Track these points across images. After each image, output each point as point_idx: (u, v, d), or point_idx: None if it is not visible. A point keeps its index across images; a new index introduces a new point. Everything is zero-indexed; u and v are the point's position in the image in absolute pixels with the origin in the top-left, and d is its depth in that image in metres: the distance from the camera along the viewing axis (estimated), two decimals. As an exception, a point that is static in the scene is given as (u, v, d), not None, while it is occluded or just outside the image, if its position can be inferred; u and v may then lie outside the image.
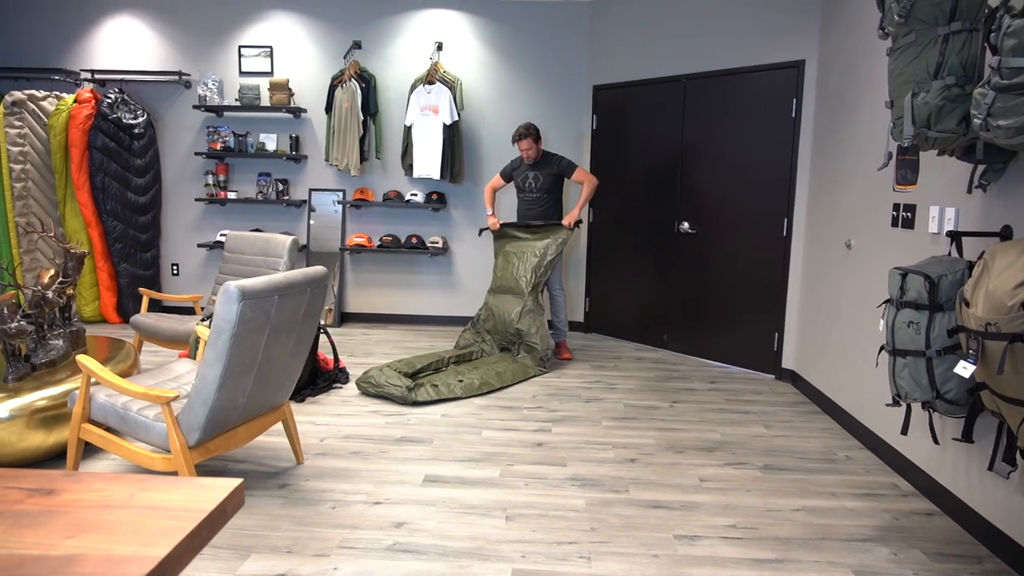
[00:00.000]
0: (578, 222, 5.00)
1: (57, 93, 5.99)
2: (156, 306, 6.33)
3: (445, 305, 6.32)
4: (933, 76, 2.33)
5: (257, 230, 6.18)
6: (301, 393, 4.14)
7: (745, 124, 4.86)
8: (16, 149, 5.81)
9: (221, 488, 1.12)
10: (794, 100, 4.60)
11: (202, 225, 6.35)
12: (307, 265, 6.22)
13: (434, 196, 6.04)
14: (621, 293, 5.85)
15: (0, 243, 5.93)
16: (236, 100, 6.02)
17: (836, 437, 3.71)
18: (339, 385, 4.41)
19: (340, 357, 5.06)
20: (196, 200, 6.17)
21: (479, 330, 5.19)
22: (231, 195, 6.13)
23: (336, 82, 5.86)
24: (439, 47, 5.93)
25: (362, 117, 5.77)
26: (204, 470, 3.09)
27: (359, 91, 5.74)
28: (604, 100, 5.82)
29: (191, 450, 2.61)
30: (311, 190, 6.23)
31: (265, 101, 6.05)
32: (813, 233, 4.45)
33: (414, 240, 6.06)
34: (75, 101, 5.81)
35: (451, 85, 5.70)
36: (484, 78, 6.01)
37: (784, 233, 4.71)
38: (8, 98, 5.72)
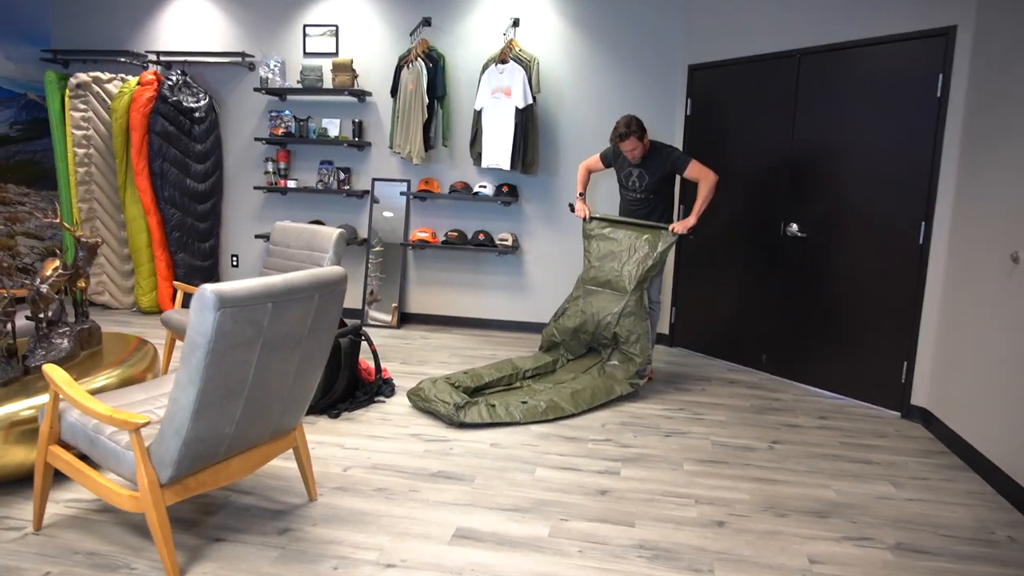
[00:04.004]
0: (692, 230, 4.11)
1: (123, 76, 5.80)
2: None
3: (513, 310, 5.73)
4: None
5: (317, 222, 5.81)
6: (337, 407, 3.66)
7: (874, 107, 4.01)
8: (80, 133, 5.65)
9: None
10: (940, 76, 3.73)
11: (263, 215, 6.03)
12: (367, 261, 5.78)
13: (504, 188, 5.46)
14: (713, 304, 5.09)
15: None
16: (298, 82, 5.64)
17: (991, 506, 2.87)
18: (382, 399, 3.91)
19: (386, 366, 4.57)
20: (255, 188, 5.84)
21: (562, 327, 4.40)
22: (290, 184, 5.76)
23: (403, 62, 5.37)
24: (515, 23, 5.33)
25: (427, 100, 5.25)
26: (196, 504, 2.63)
27: (425, 71, 5.23)
28: (701, 82, 5.06)
29: (164, 488, 2.13)
30: (374, 179, 5.78)
31: (328, 83, 5.65)
32: (961, 241, 3.58)
33: (481, 236, 5.50)
34: (138, 83, 5.59)
35: (526, 64, 5.10)
36: (564, 57, 5.38)
37: (920, 240, 3.84)
38: (72, 80, 5.56)
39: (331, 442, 3.27)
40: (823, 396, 4.30)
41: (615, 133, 4.03)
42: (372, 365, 4.02)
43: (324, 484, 2.82)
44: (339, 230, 4.17)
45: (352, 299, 5.93)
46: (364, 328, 3.81)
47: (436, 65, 5.32)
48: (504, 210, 5.62)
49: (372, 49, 5.63)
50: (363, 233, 5.85)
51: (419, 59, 5.24)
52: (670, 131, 5.24)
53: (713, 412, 3.93)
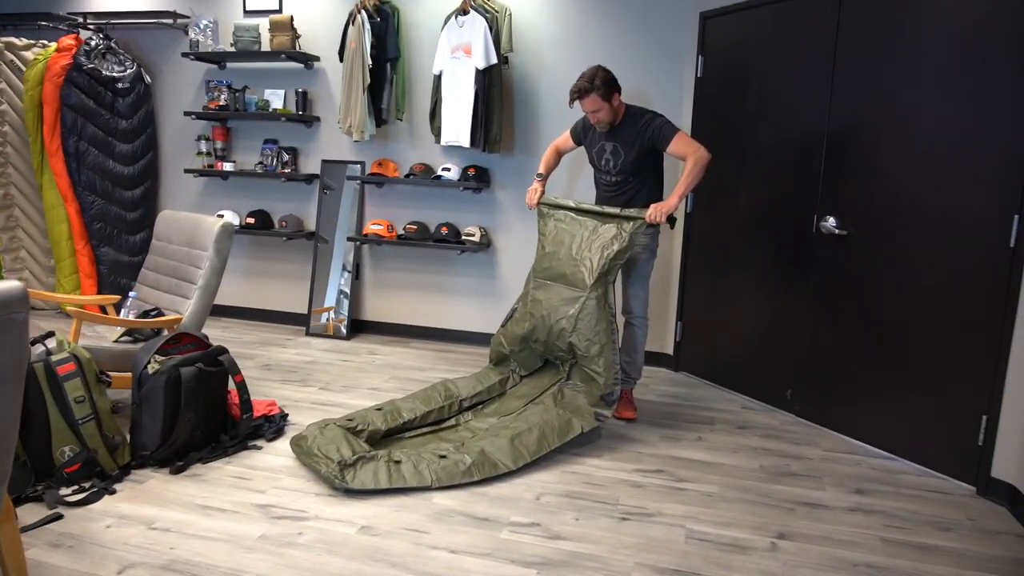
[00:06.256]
0: (672, 219, 3.14)
1: (44, 42, 5.03)
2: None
3: (482, 319, 4.72)
4: None
5: (260, 211, 4.91)
6: (188, 457, 2.73)
7: (946, 57, 2.84)
8: (-9, 108, 4.91)
9: None
10: (1047, 2, 2.55)
11: (202, 204, 5.18)
12: (313, 258, 4.86)
13: (471, 172, 4.44)
14: (727, 320, 3.97)
15: (-18, 218, 5.08)
16: (231, 45, 4.75)
17: None
18: (258, 444, 2.96)
19: (275, 399, 3.63)
20: (185, 172, 4.98)
21: (511, 334, 3.42)
22: (227, 167, 4.89)
23: (351, 19, 4.42)
24: (485, -33, 4.31)
25: (370, 61, 4.28)
26: None
27: (368, 25, 4.25)
28: (716, 34, 3.94)
29: None
30: (324, 161, 4.85)
31: (266, 46, 4.74)
32: (1076, 244, 2.40)
33: (444, 230, 4.51)
34: (56, 50, 4.80)
35: (491, 16, 4.07)
36: (545, 8, 4.32)
37: (1011, 242, 2.66)
38: (-20, 47, 4.82)
39: (139, 516, 2.34)
40: (865, 454, 3.15)
41: (574, 87, 3.00)
42: (252, 400, 3.08)
43: (70, 599, 1.89)
44: (223, 222, 3.26)
45: (298, 304, 5.03)
46: (226, 353, 2.87)
47: (387, 20, 4.34)
48: (474, 198, 4.61)
49: (320, 5, 4.69)
50: (310, 225, 4.93)
51: (362, 11, 4.27)
52: (677, 99, 4.12)
53: (704, 477, 2.84)
